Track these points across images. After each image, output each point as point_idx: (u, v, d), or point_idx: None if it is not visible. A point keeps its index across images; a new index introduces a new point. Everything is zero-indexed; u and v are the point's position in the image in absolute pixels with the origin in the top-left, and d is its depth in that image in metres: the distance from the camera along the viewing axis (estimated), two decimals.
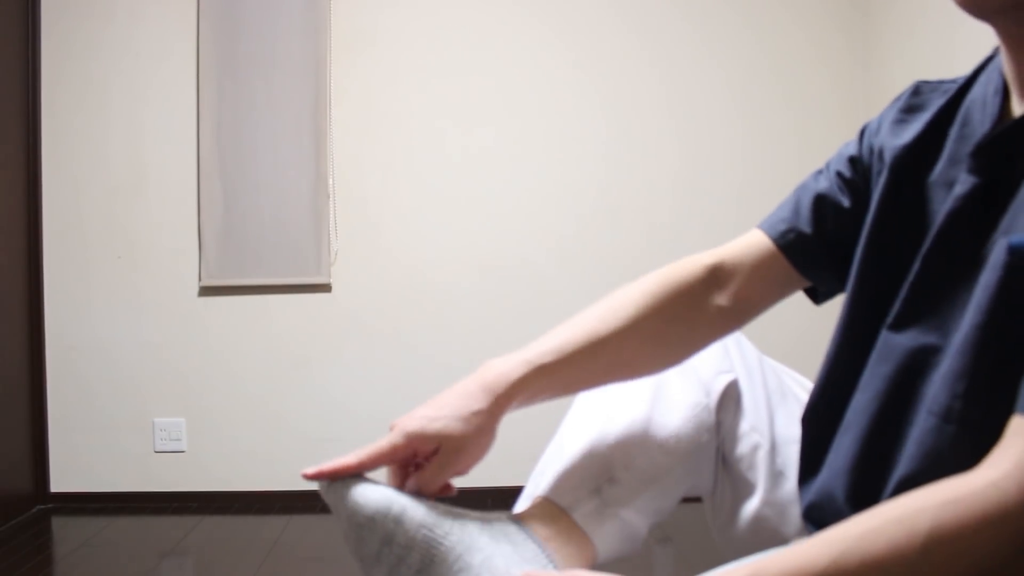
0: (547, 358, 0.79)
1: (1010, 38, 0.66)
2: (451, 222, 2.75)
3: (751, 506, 0.88)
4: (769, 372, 0.94)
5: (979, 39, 2.04)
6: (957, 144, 0.72)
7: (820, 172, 0.87)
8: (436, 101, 2.74)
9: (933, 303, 0.69)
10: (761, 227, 0.88)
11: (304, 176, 2.71)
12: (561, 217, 2.75)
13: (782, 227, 0.86)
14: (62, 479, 2.72)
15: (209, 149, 2.70)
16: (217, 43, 2.70)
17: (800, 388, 0.95)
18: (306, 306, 2.74)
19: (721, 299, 0.86)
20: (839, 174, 0.84)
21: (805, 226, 0.84)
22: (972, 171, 0.68)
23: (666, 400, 0.87)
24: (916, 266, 0.71)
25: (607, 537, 0.80)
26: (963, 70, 0.74)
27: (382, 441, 0.75)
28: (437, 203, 2.74)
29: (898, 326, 0.71)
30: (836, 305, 0.83)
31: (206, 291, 2.72)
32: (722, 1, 2.76)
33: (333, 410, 2.73)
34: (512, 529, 0.77)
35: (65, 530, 2.51)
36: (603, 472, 0.82)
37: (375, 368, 2.73)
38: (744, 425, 0.90)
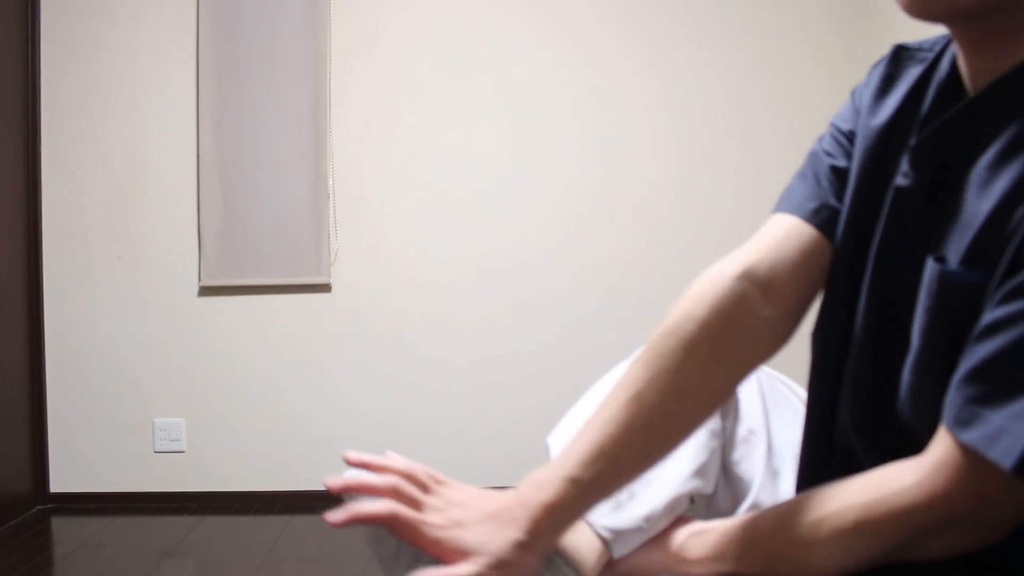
0: (588, 471, 0.66)
1: (962, 39, 0.64)
2: (451, 222, 2.75)
3: (746, 504, 0.89)
4: (764, 377, 0.94)
5: None
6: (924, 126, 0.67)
7: (822, 142, 0.78)
8: (436, 101, 2.74)
9: (891, 306, 0.67)
10: (785, 210, 0.75)
11: (304, 176, 2.71)
12: (561, 217, 2.75)
13: (812, 205, 0.73)
14: (62, 479, 2.72)
15: (209, 149, 2.70)
16: (217, 43, 2.70)
17: (792, 393, 0.96)
18: (306, 306, 2.74)
19: (765, 311, 0.71)
20: (840, 145, 0.76)
21: (834, 200, 0.73)
22: (912, 166, 0.65)
23: None
24: (870, 263, 0.69)
25: (626, 540, 0.81)
26: None
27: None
28: (437, 203, 2.74)
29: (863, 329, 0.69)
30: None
31: (206, 291, 2.72)
32: (721, 2, 2.76)
33: (333, 410, 2.73)
34: None
35: (65, 530, 2.51)
36: None
37: (375, 368, 2.73)
38: (742, 429, 0.90)
